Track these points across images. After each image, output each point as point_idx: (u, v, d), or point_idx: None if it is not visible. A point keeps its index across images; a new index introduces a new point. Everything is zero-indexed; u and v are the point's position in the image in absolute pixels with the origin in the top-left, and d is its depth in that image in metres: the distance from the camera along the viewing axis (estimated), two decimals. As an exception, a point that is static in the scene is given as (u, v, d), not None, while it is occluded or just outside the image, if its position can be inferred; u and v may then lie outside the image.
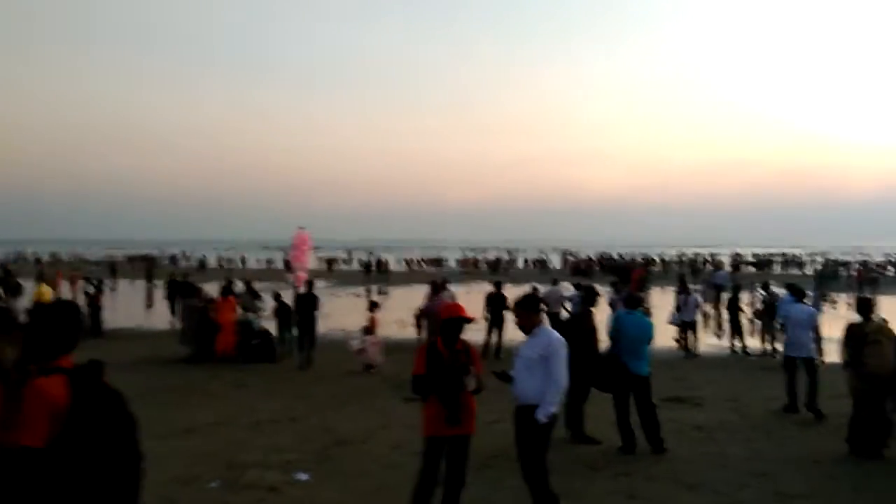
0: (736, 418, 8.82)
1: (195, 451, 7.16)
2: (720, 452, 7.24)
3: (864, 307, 7.70)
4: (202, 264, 56.62)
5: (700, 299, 15.35)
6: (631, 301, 7.76)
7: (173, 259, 66.73)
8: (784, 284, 14.55)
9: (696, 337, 14.86)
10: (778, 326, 13.23)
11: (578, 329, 7.77)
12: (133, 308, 26.29)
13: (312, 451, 7.26)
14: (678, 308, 14.93)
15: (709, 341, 16.64)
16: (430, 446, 4.94)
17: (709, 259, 58.23)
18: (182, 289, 17.97)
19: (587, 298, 8.45)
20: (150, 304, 28.42)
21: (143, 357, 13.58)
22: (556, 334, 5.14)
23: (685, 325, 14.75)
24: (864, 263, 46.98)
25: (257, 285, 17.37)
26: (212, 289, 18.12)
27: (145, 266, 46.66)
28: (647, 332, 7.35)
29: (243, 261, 63.96)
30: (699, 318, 15.71)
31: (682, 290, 15.39)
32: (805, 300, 10.24)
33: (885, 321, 7.53)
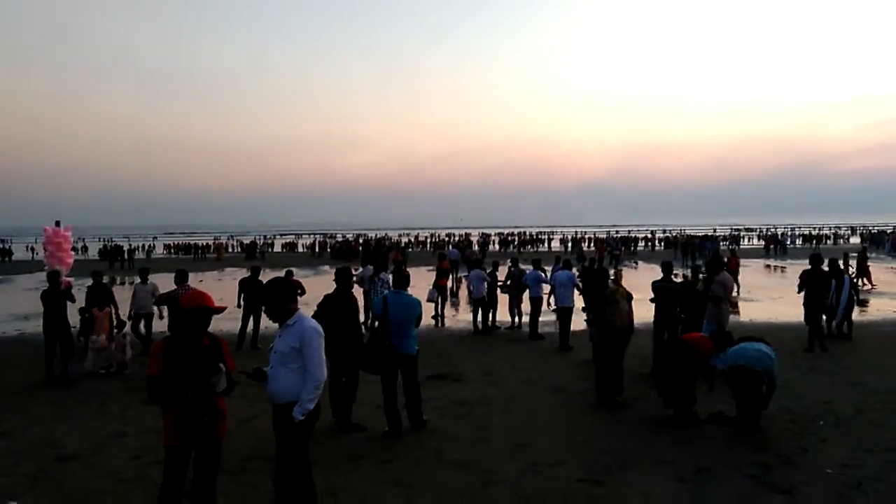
0: (494, 391, 9.10)
1: None
2: (482, 427, 7.35)
3: (602, 276, 8.92)
4: None
5: (486, 275, 15.67)
6: (399, 281, 7.48)
7: None
8: (531, 261, 15.71)
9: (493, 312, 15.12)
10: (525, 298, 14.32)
11: (339, 308, 7.38)
12: None
13: (28, 472, 6.06)
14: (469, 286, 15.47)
15: (460, 317, 17.33)
16: (172, 457, 4.27)
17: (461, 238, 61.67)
18: None
19: (340, 278, 8.02)
20: None
21: None
22: (311, 322, 4.60)
23: (476, 303, 14.99)
24: (605, 240, 52.83)
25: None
26: None
27: None
28: (414, 311, 7.18)
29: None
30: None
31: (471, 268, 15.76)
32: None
33: (619, 285, 8.74)
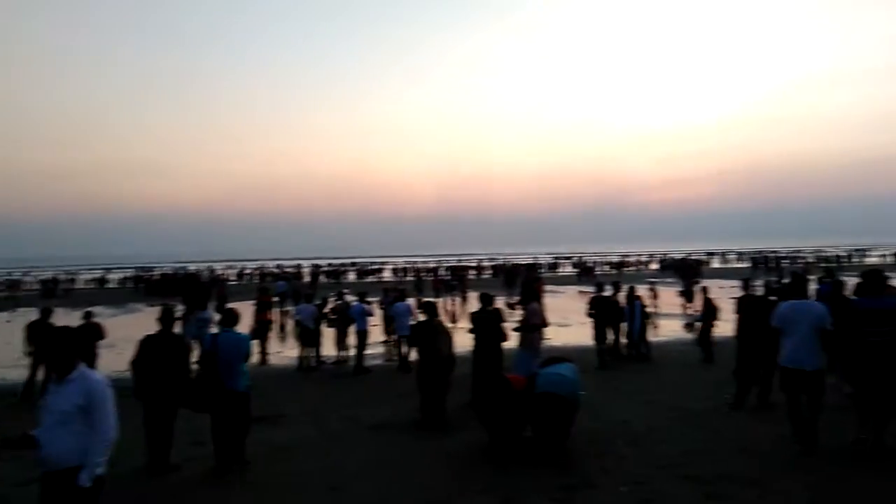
0: (315, 432, 8.85)
1: None
2: (300, 472, 7.09)
3: (431, 309, 9.57)
4: None
5: (316, 310, 15.29)
6: (227, 318, 7.47)
7: None
8: (357, 293, 15.63)
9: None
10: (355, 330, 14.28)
11: (163, 350, 7.26)
12: None
13: None
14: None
15: (286, 353, 16.79)
16: None
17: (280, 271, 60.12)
18: None
19: (164, 319, 7.66)
20: None
21: None
22: (97, 376, 4.16)
23: (305, 338, 14.63)
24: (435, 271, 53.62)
25: None
26: None
27: None
28: (243, 348, 7.25)
29: None
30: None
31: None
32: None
33: (440, 319, 9.49)
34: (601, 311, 13.65)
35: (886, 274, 7.28)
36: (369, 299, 15.48)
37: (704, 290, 14.55)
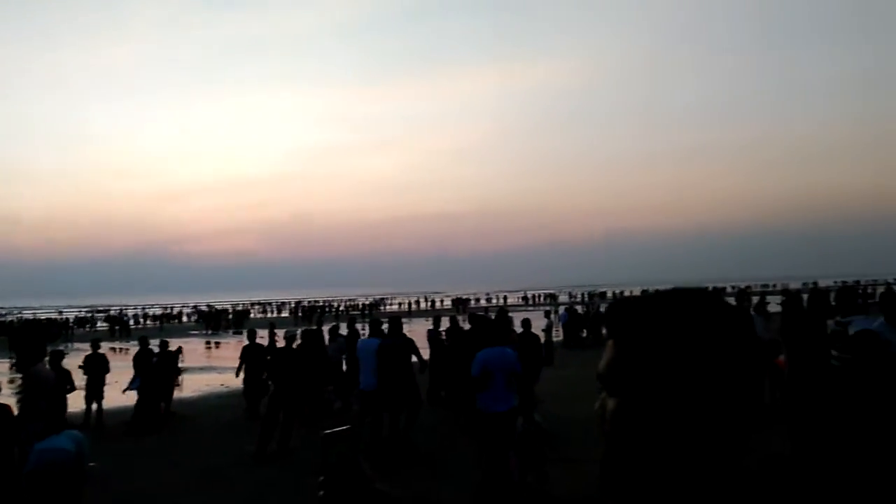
0: None
1: None
2: None
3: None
4: None
5: None
6: None
7: None
8: None
9: None
10: None
11: None
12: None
13: None
14: None
15: None
16: None
17: None
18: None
19: None
20: None
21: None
22: None
23: None
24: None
25: None
26: None
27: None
28: None
29: None
30: None
31: None
32: None
33: None
34: (93, 369, 13.32)
35: (403, 320, 10.56)
36: None
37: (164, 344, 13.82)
